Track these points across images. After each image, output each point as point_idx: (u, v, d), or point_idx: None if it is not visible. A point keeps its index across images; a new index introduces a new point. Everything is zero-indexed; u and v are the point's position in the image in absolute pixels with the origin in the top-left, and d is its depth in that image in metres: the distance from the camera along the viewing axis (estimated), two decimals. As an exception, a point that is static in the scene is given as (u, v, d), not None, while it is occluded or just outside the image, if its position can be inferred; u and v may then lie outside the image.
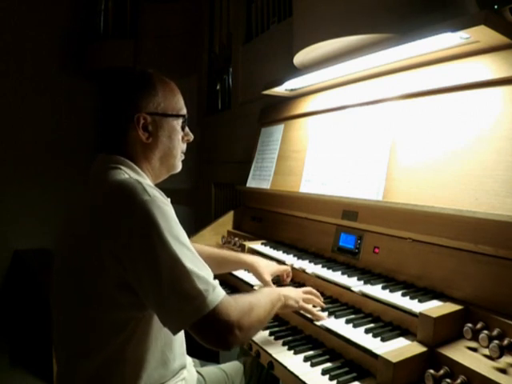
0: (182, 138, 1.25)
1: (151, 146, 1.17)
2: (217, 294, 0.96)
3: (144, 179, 1.11)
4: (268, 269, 1.50)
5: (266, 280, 1.47)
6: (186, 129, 1.26)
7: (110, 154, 1.14)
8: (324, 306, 1.31)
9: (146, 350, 1.05)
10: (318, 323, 1.23)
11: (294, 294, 1.26)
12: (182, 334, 1.18)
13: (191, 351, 1.37)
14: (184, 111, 1.24)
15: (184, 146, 1.27)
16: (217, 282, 0.99)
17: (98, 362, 1.01)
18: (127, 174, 1.08)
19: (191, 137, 1.29)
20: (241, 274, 1.73)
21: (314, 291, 1.34)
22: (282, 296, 1.21)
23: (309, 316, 1.27)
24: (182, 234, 0.99)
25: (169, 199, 1.06)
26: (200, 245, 1.59)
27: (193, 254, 0.98)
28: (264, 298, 1.13)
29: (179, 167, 1.27)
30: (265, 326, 1.17)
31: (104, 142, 1.17)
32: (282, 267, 1.56)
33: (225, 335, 0.95)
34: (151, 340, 1.06)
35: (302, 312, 1.29)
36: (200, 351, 1.66)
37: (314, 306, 1.30)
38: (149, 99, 1.15)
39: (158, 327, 1.06)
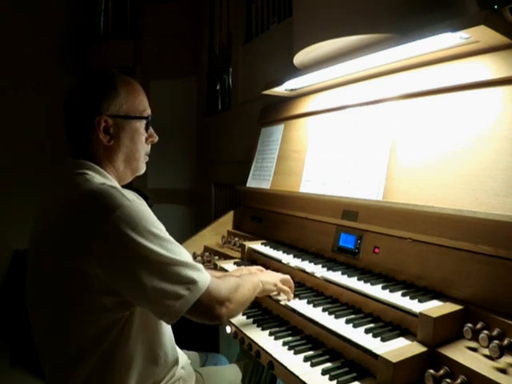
0: (146, 140, 1.22)
1: (113, 149, 1.15)
2: (205, 275, 1.04)
3: (112, 182, 1.11)
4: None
5: None
6: (150, 130, 1.23)
7: (76, 159, 1.12)
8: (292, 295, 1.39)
9: (135, 348, 1.05)
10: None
11: (270, 278, 1.36)
12: (169, 328, 1.19)
13: (190, 345, 1.37)
14: (147, 112, 1.21)
15: (148, 148, 1.25)
16: (201, 265, 1.06)
17: (88, 368, 1.00)
18: (96, 178, 1.07)
19: (155, 138, 1.25)
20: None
21: (290, 278, 1.42)
22: (260, 282, 1.30)
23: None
24: (163, 229, 1.02)
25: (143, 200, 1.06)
26: None
27: (176, 245, 1.03)
28: (247, 281, 1.23)
29: (143, 169, 1.25)
30: (248, 303, 1.22)
31: (70, 145, 1.16)
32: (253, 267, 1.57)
33: (218, 310, 1.05)
34: (139, 338, 1.06)
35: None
36: (199, 343, 1.66)
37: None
38: (110, 101, 1.12)
39: (144, 324, 1.07)
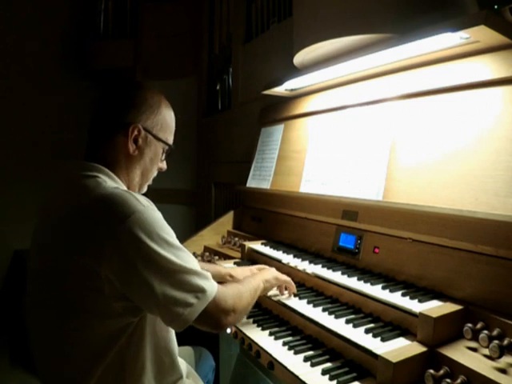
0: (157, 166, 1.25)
1: (135, 160, 1.16)
2: (213, 284, 1.04)
3: (124, 188, 1.10)
4: (243, 272, 1.52)
5: None
6: (164, 158, 1.26)
7: (85, 161, 1.11)
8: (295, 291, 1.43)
9: (146, 355, 1.05)
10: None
11: (270, 275, 1.38)
12: (174, 335, 1.19)
13: (189, 340, 1.37)
14: (171, 141, 1.24)
15: (156, 174, 1.27)
16: (209, 273, 1.06)
17: (97, 376, 0.99)
18: (107, 182, 1.06)
19: (164, 168, 1.27)
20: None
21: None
22: (261, 282, 1.31)
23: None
24: (174, 236, 1.03)
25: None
26: None
27: (186, 253, 1.03)
28: (248, 286, 1.23)
29: (145, 190, 1.27)
30: (250, 308, 1.24)
31: (87, 143, 1.15)
32: (256, 266, 1.57)
33: (224, 320, 1.05)
34: (149, 344, 1.06)
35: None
36: (198, 343, 1.66)
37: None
38: (150, 115, 1.15)
39: (154, 330, 1.07)
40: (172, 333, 1.16)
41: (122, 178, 1.14)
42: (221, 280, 1.55)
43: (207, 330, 1.05)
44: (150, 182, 1.26)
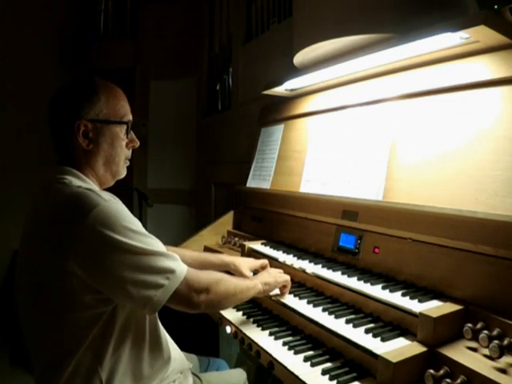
0: (127, 145, 1.24)
1: (93, 153, 1.17)
2: (181, 264, 1.07)
3: (89, 185, 1.13)
4: (247, 264, 1.55)
5: (245, 275, 1.51)
6: (132, 135, 1.24)
7: (57, 165, 1.16)
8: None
9: (122, 345, 1.07)
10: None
11: (268, 277, 1.38)
12: (161, 328, 1.20)
13: (189, 346, 1.37)
14: (128, 117, 1.22)
15: (129, 153, 1.26)
16: (177, 255, 1.09)
17: (72, 365, 1.02)
18: (73, 182, 1.09)
19: (137, 143, 1.26)
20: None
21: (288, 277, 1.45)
22: (260, 284, 1.32)
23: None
24: (138, 224, 1.05)
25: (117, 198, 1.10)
26: (180, 249, 1.63)
27: (152, 238, 1.06)
28: (239, 281, 1.25)
29: (123, 173, 1.27)
30: (236, 300, 1.24)
31: (53, 148, 1.20)
32: (259, 261, 1.59)
33: (196, 298, 1.07)
34: (125, 334, 1.08)
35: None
36: (198, 344, 1.66)
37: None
38: (90, 106, 1.15)
39: (130, 321, 1.09)
40: (157, 325, 1.18)
41: (88, 174, 1.17)
42: (225, 269, 1.59)
43: (182, 310, 1.07)
44: (125, 163, 1.26)
